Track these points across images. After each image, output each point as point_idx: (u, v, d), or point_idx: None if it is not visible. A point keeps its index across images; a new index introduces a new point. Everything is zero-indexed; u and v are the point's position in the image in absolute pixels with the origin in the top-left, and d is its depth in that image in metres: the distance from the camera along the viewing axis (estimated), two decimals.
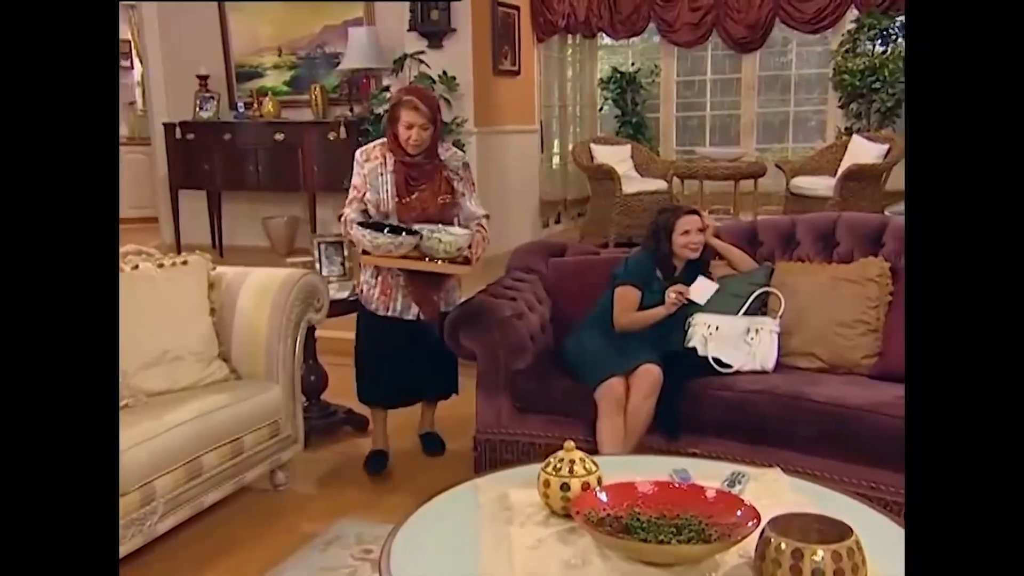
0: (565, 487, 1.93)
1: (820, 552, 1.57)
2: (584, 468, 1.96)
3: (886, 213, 6.16)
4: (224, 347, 3.17)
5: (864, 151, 6.54)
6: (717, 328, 3.15)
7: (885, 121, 7.46)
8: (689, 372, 3.03)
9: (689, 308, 3.19)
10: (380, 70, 6.68)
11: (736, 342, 3.12)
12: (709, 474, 2.13)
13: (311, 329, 3.57)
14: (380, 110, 6.35)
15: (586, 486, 1.93)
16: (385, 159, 3.23)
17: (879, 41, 7.55)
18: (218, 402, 2.91)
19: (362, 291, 3.38)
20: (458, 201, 3.32)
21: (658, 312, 3.11)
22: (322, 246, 3.90)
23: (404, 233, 3.13)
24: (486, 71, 6.76)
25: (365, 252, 3.20)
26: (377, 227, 3.17)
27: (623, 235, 6.69)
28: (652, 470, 2.15)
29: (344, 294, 3.72)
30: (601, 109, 8.91)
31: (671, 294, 3.08)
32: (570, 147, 8.12)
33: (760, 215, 7.00)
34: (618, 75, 8.72)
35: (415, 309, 3.31)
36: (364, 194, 3.24)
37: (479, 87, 6.59)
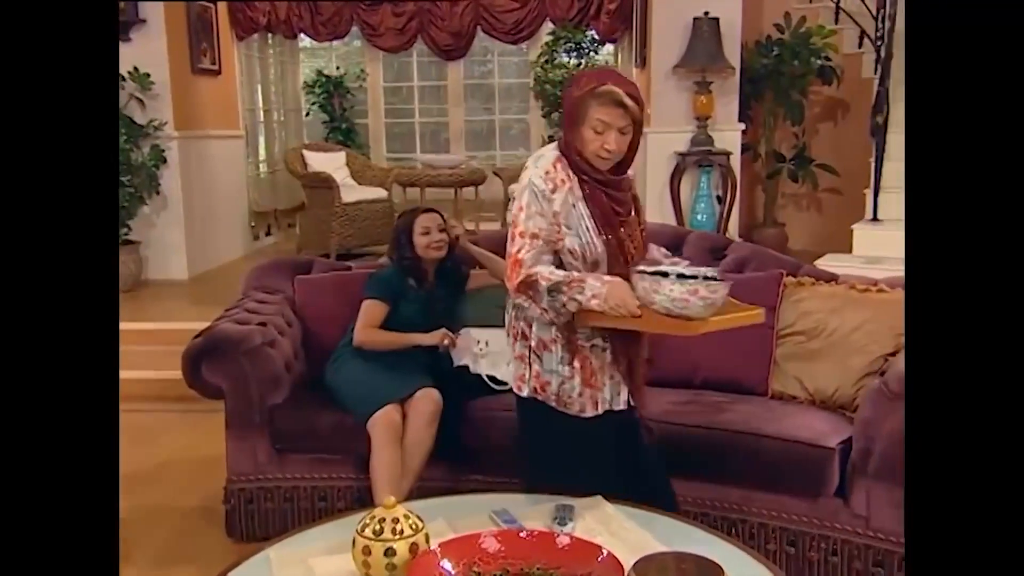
0: (390, 552, 1.63)
1: None
2: (410, 526, 1.67)
3: None
4: None
5: None
6: (487, 343, 2.99)
7: None
8: (465, 393, 2.84)
9: (453, 323, 3.00)
10: None
11: (509, 357, 2.97)
12: (531, 513, 1.95)
13: None
14: None
15: (414, 548, 1.65)
16: (571, 181, 2.11)
17: (574, 53, 7.90)
18: None
19: (544, 388, 2.16)
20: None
21: (411, 338, 2.87)
22: None
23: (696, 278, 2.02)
24: (184, 69, 6.11)
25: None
26: (661, 275, 1.99)
27: (344, 246, 6.36)
28: (469, 514, 1.93)
29: None
30: (307, 114, 8.47)
31: (444, 340, 2.86)
32: (276, 153, 7.63)
33: (481, 223, 7.05)
34: (323, 79, 8.35)
35: (625, 394, 2.24)
36: (562, 240, 2.09)
37: (177, 86, 5.94)
